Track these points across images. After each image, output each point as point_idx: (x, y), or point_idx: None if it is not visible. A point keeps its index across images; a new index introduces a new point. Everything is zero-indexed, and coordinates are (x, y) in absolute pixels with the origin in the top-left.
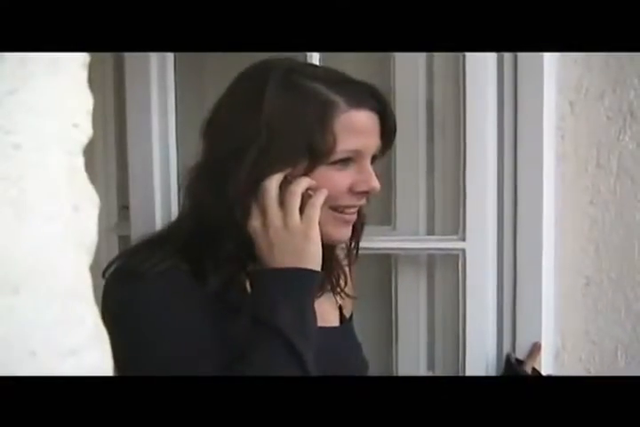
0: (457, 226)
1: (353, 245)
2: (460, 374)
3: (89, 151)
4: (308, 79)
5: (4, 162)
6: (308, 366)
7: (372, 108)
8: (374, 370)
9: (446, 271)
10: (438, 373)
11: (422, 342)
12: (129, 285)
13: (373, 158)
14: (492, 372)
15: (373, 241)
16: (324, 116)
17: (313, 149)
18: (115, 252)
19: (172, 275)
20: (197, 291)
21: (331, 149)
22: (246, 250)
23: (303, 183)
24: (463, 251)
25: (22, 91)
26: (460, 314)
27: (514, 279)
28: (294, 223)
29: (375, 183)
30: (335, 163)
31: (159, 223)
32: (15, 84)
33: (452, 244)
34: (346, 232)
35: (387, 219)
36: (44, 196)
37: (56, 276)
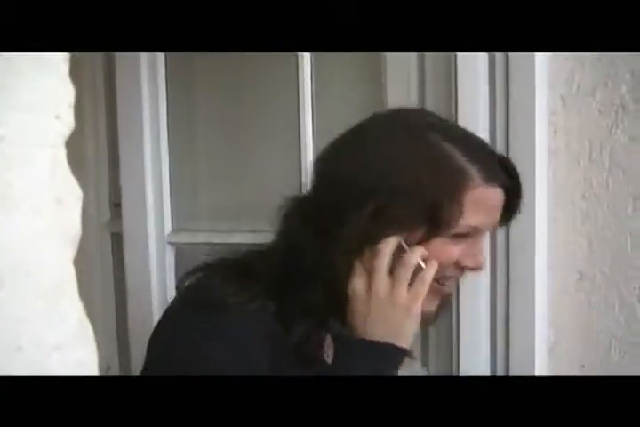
0: None
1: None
2: (454, 370)
3: (80, 148)
4: (446, 141)
5: None
6: None
7: (503, 184)
8: None
9: None
10: (432, 369)
11: (416, 337)
12: (215, 315)
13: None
14: (485, 368)
15: None
16: (456, 187)
17: (436, 219)
18: (107, 249)
19: (260, 317)
20: (280, 337)
21: (455, 222)
22: (335, 306)
23: (418, 254)
24: None
25: (4, 84)
26: (453, 309)
27: (506, 274)
28: (400, 296)
29: (482, 261)
30: (452, 236)
31: (151, 221)
32: None
33: None
34: (434, 304)
35: None
36: (28, 189)
37: (41, 270)
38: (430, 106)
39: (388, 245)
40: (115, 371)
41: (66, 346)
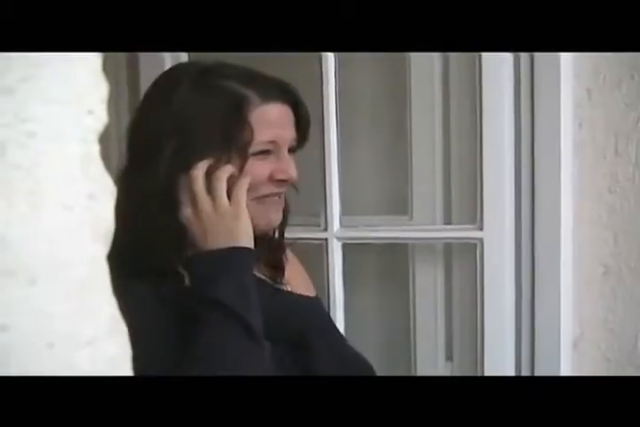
0: (474, 215)
1: (278, 232)
2: (479, 364)
3: (104, 145)
4: (221, 78)
5: (19, 150)
6: (259, 337)
7: (285, 101)
8: (392, 360)
9: (464, 261)
10: (456, 363)
11: (440, 332)
12: None
13: (292, 150)
14: (510, 362)
15: (390, 231)
16: (239, 111)
17: (232, 143)
18: None
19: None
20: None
21: (249, 142)
22: (178, 244)
23: (227, 169)
24: (481, 240)
25: (36, 78)
26: (477, 304)
27: (532, 268)
28: (224, 207)
29: (293, 172)
30: (254, 154)
31: None
32: (29, 72)
33: (469, 233)
34: (275, 218)
35: (403, 208)
36: (60, 184)
37: (73, 266)
38: (455, 100)
39: (198, 170)
40: None
41: (98, 342)
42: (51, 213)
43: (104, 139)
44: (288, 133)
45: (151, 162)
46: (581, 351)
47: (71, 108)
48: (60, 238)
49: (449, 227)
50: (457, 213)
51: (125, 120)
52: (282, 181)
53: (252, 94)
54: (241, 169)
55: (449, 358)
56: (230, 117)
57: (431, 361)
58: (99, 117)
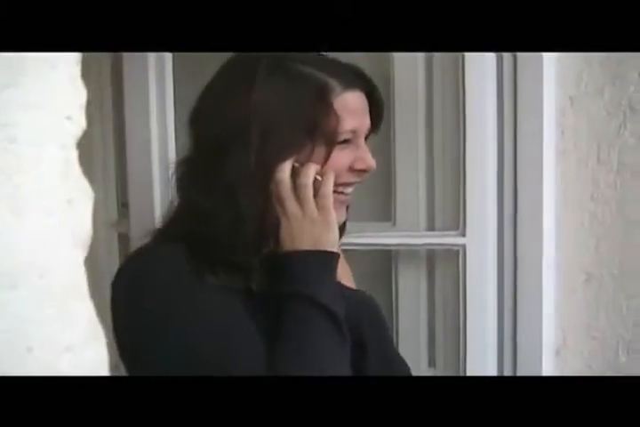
0: (457, 221)
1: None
2: (461, 371)
3: (88, 148)
4: (300, 64)
5: (0, 156)
6: (347, 334)
7: (362, 89)
8: None
9: (446, 267)
10: (439, 369)
11: (423, 338)
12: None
13: (366, 139)
14: (492, 368)
15: (374, 237)
16: (324, 99)
17: (318, 132)
18: (114, 249)
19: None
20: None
21: (335, 130)
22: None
23: (311, 172)
24: (463, 246)
25: (17, 84)
26: (460, 310)
27: (514, 275)
28: (312, 213)
29: (372, 161)
30: (337, 144)
31: (158, 220)
32: (10, 79)
33: (452, 239)
34: (343, 214)
35: (387, 215)
36: (40, 190)
37: (52, 271)
38: (438, 107)
39: (284, 172)
40: (124, 369)
41: (77, 346)
42: (31, 218)
43: (87, 148)
44: (366, 122)
45: (236, 152)
46: (564, 359)
47: (50, 113)
48: (39, 243)
49: (432, 233)
50: (440, 219)
51: (109, 123)
52: (361, 171)
53: (333, 82)
54: (326, 159)
55: (431, 364)
56: (316, 105)
57: (413, 367)
58: (77, 123)
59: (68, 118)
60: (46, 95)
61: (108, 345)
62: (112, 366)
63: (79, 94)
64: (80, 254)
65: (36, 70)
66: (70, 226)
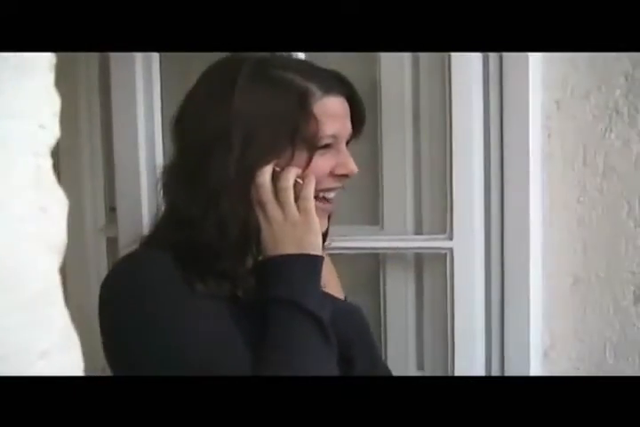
0: (444, 225)
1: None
2: (450, 373)
3: (75, 153)
4: (280, 69)
5: None
6: (334, 340)
7: (343, 94)
8: None
9: (434, 271)
10: (428, 372)
11: (411, 341)
12: (128, 275)
13: (347, 144)
14: (481, 371)
15: (361, 241)
16: (305, 104)
17: (299, 136)
18: (102, 253)
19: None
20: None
21: (315, 135)
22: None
23: (292, 176)
24: (451, 250)
25: None
26: (448, 313)
27: (501, 278)
28: (294, 217)
29: (353, 166)
30: (318, 149)
31: (147, 225)
32: None
33: (439, 243)
34: (324, 223)
35: (374, 219)
36: (12, 197)
37: (26, 278)
38: (424, 109)
39: (264, 176)
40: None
41: (51, 353)
42: (3, 226)
43: (65, 146)
44: (347, 127)
45: (218, 157)
46: (552, 361)
47: (24, 122)
48: (12, 251)
49: (419, 237)
50: (427, 223)
51: (96, 126)
52: (342, 176)
53: (313, 87)
54: (307, 164)
55: (420, 367)
56: (296, 110)
57: (402, 370)
58: (51, 132)
59: (42, 127)
60: (19, 103)
61: (92, 350)
62: (99, 370)
63: (53, 102)
64: (55, 261)
65: (9, 78)
66: (45, 233)
